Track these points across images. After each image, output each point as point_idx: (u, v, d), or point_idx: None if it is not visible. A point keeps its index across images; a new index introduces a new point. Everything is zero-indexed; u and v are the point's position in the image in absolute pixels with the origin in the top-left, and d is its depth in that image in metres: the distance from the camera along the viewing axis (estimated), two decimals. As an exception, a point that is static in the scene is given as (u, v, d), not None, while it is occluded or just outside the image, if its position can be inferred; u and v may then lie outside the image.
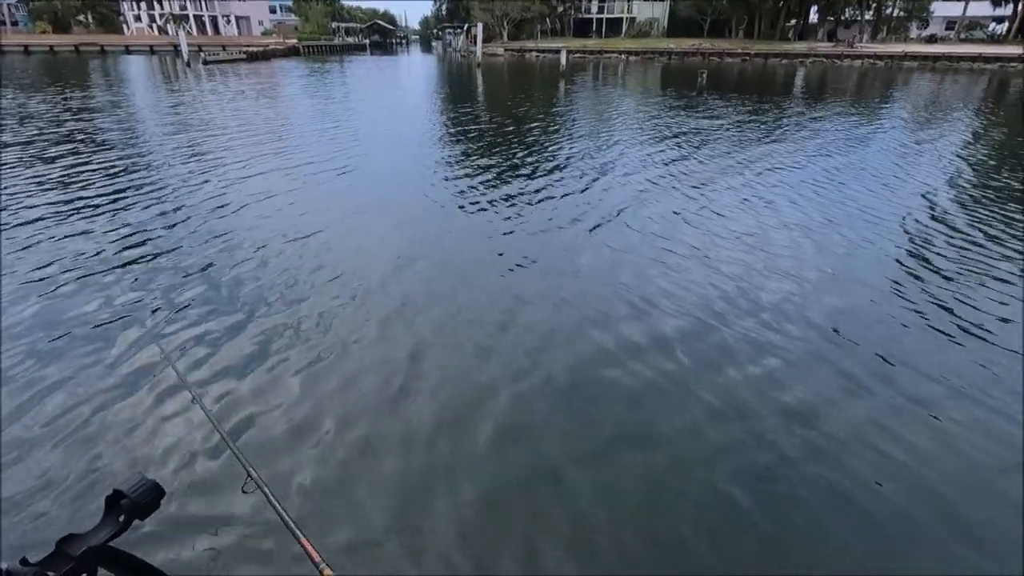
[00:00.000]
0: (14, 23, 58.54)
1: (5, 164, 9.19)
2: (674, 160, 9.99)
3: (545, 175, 9.01)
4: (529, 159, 10.16)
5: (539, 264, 5.53)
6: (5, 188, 7.81)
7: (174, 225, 6.55)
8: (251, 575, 2.38)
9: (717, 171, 9.23)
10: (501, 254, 5.76)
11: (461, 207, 7.35)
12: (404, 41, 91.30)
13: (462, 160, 10.15)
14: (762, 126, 13.96)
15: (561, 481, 2.88)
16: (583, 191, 8.10)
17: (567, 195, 7.90)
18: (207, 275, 5.17)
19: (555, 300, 4.77)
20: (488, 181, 8.64)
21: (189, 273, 5.20)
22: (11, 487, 2.78)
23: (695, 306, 4.65)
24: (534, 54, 47.63)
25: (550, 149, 11.12)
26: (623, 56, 44.81)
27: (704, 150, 10.88)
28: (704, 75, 22.29)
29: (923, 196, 7.96)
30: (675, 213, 7.09)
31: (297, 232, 6.25)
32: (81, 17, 61.86)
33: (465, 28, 55.60)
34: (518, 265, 5.48)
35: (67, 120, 13.91)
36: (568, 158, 10.23)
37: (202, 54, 38.41)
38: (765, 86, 26.22)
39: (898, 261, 5.67)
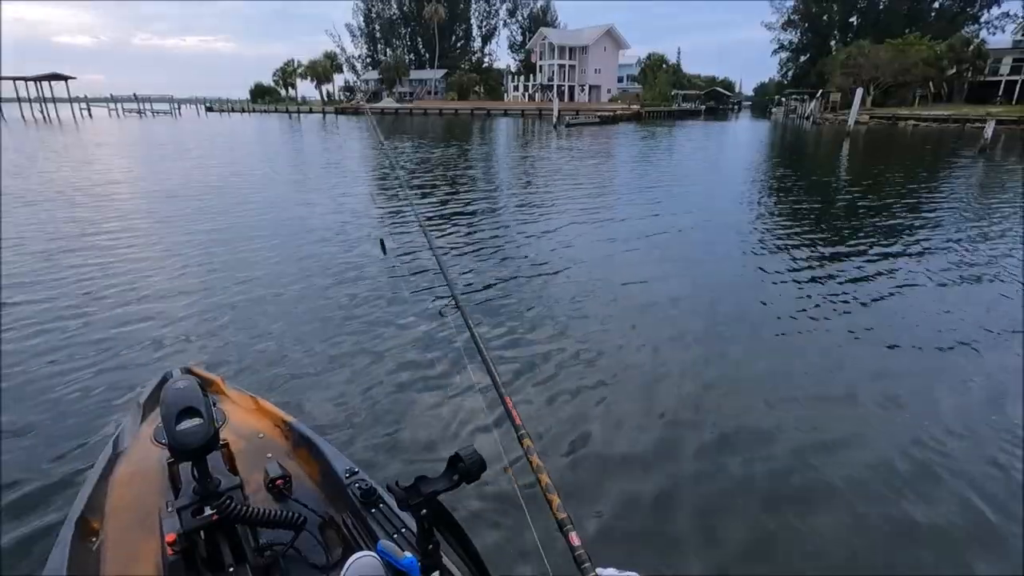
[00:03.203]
0: (436, 92, 78.00)
1: (400, 189, 11.48)
2: None
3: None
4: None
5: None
6: (403, 210, 9.66)
7: (511, 251, 7.58)
8: None
9: None
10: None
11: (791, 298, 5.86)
12: (736, 107, 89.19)
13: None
14: None
15: None
16: None
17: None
18: (526, 293, 6.07)
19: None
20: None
21: (509, 291, 5.97)
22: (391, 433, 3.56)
23: None
24: (911, 123, 40.20)
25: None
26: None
27: None
28: None
29: None
30: None
31: (607, 279, 6.61)
32: (476, 88, 78.61)
33: (820, 93, 50.81)
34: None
35: (459, 165, 17.08)
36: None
37: (566, 117, 44.07)
38: None
39: None
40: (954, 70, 49.70)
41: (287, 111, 69.72)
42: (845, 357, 4.65)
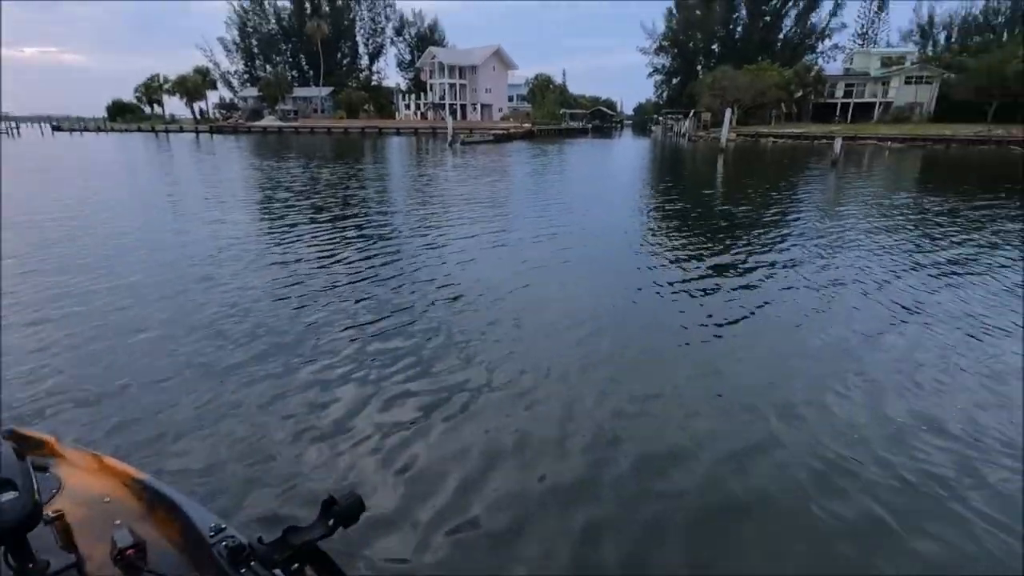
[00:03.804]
0: (323, 110, 75.22)
1: (287, 213, 10.67)
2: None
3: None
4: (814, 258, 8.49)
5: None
6: (291, 232, 8.89)
7: (391, 263, 7.20)
8: None
9: None
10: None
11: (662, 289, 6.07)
12: (619, 125, 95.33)
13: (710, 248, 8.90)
14: None
15: None
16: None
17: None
18: (409, 308, 5.65)
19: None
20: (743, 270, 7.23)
21: (389, 308, 5.76)
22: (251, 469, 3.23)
23: None
24: (771, 140, 45.03)
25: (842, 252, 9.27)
26: (887, 143, 39.38)
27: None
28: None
29: None
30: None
31: (492, 290, 6.61)
32: (366, 106, 76.97)
33: (692, 112, 55.46)
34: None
35: (352, 186, 16.26)
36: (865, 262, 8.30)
37: (460, 135, 43.95)
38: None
39: None
40: (801, 93, 56.65)
41: (153, 130, 63.74)
42: (718, 358, 4.81)
